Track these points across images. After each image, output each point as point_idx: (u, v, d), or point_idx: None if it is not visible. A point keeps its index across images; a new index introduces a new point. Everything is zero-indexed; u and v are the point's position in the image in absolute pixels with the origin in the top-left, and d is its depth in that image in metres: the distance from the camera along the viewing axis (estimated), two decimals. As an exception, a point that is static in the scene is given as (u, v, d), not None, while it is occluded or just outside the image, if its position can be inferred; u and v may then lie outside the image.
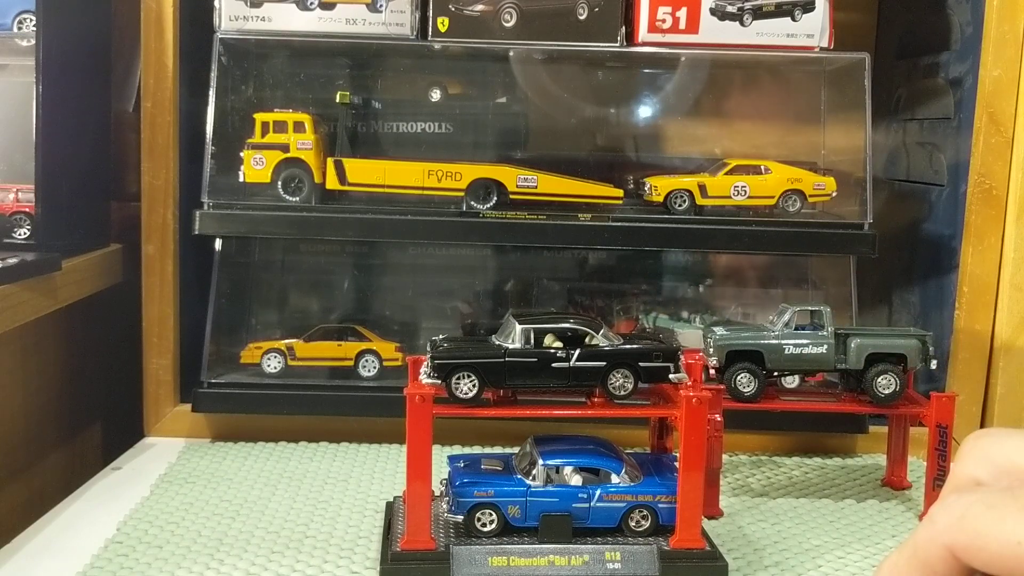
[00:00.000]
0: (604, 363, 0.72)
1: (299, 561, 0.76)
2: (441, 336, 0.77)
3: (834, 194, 1.07)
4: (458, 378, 0.71)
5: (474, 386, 0.71)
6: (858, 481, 0.98)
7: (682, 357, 0.74)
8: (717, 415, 0.84)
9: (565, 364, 0.72)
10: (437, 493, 0.76)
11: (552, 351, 0.72)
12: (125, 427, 1.08)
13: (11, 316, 0.88)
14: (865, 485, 0.97)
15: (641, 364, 0.72)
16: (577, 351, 0.72)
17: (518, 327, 0.72)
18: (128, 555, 0.76)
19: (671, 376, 0.73)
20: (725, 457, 0.93)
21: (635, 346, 0.73)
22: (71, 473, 1.06)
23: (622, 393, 0.73)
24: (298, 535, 0.81)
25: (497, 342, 0.73)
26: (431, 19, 1.04)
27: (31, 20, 0.98)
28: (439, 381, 0.71)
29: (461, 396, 0.71)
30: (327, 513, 0.86)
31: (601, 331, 0.73)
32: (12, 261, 0.89)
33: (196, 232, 1.02)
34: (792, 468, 1.02)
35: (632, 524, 0.73)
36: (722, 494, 0.90)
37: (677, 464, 0.73)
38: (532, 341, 0.72)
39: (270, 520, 0.84)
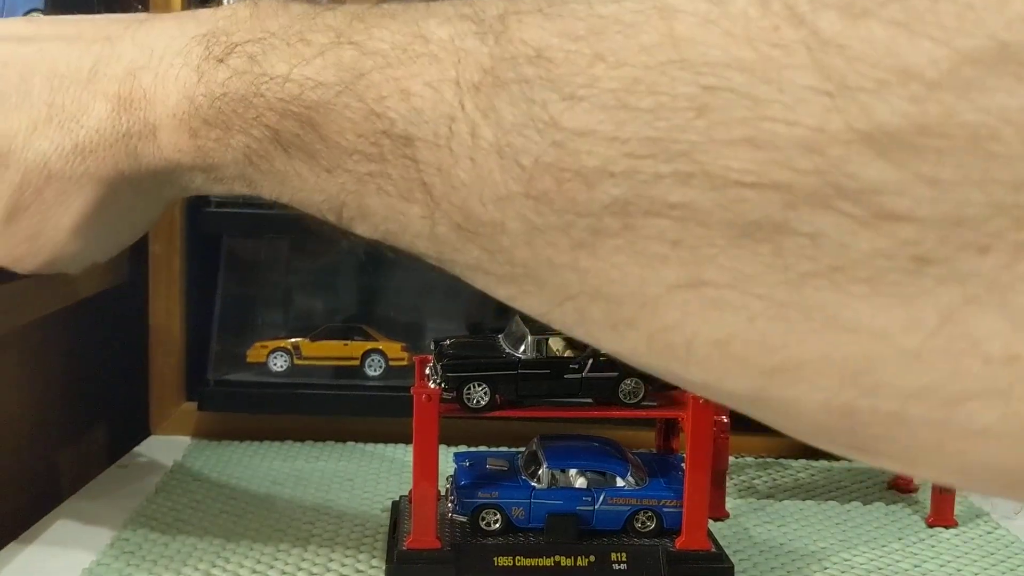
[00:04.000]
0: (616, 373, 0.72)
1: (304, 559, 0.76)
2: (448, 341, 0.76)
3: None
4: (470, 388, 0.71)
5: (486, 395, 0.71)
6: (864, 483, 0.98)
7: None
8: (724, 416, 0.84)
9: (578, 375, 0.71)
10: (443, 492, 0.75)
11: (565, 362, 0.71)
12: (131, 425, 1.08)
13: (17, 315, 0.88)
14: (871, 487, 0.97)
15: None
16: (590, 362, 0.71)
17: (530, 337, 0.71)
18: (135, 552, 0.76)
19: None
20: (731, 459, 0.93)
21: None
22: (77, 471, 1.06)
23: (632, 400, 0.72)
24: (304, 533, 0.81)
25: (507, 349, 0.73)
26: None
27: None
28: (451, 392, 0.70)
29: (473, 406, 0.71)
30: (333, 512, 0.86)
31: None
32: None
33: (203, 231, 1.02)
34: (798, 470, 1.02)
35: (638, 525, 0.73)
36: (728, 496, 0.90)
37: (683, 465, 0.72)
38: (545, 352, 0.72)
39: (276, 518, 0.84)
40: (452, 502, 0.74)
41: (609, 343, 0.38)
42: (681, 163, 0.31)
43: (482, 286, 0.41)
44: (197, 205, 1.03)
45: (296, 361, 1.07)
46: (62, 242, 0.57)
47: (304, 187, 0.47)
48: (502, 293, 0.40)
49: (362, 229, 0.47)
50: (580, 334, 0.39)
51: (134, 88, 0.53)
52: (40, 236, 0.57)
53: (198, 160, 0.51)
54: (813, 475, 1.01)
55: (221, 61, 0.49)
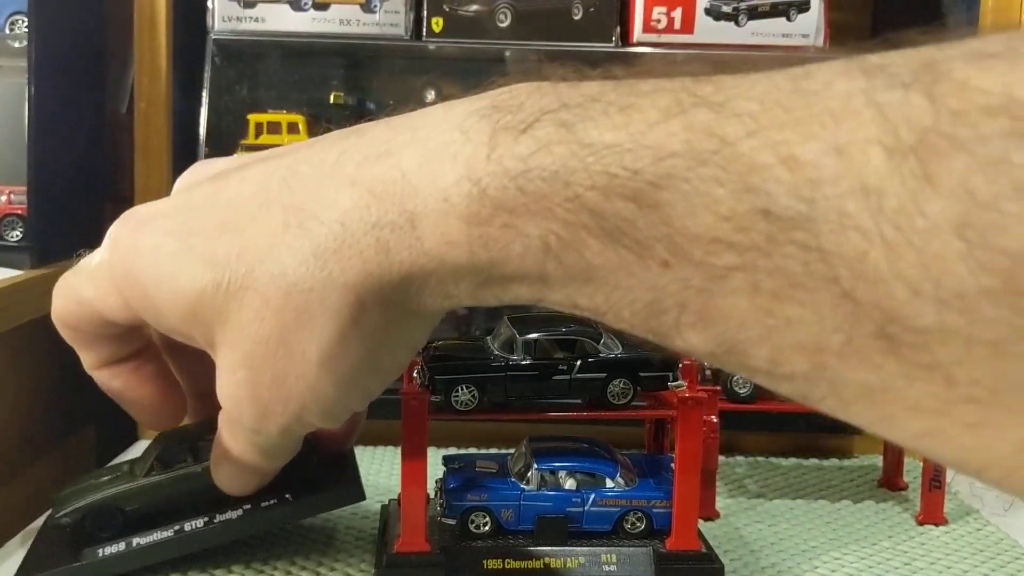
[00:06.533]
0: (605, 374, 0.71)
1: (294, 564, 0.75)
2: (436, 343, 0.75)
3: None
4: (458, 391, 0.70)
5: (474, 397, 0.71)
6: (855, 482, 0.98)
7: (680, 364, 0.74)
8: (713, 416, 0.84)
9: (567, 377, 0.71)
10: (432, 495, 0.75)
11: (554, 364, 0.71)
12: (118, 430, 1.07)
13: (4, 319, 0.87)
14: (862, 486, 0.97)
15: (641, 374, 0.72)
16: (579, 362, 0.71)
17: (519, 339, 0.71)
18: (121, 559, 0.76)
19: (669, 384, 0.72)
20: (721, 458, 0.92)
21: (636, 355, 0.73)
22: (64, 476, 1.05)
23: (621, 401, 0.72)
24: (292, 537, 0.80)
25: (496, 351, 0.72)
26: (425, 19, 1.03)
27: (23, 21, 0.98)
28: (439, 394, 0.70)
29: (461, 408, 0.70)
30: (321, 516, 0.85)
31: (602, 340, 0.73)
32: None
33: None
34: (788, 469, 1.02)
35: (627, 526, 0.73)
36: (718, 495, 0.90)
37: (673, 466, 0.72)
38: (534, 353, 0.71)
39: (264, 523, 0.83)
40: (441, 505, 0.74)
41: None
42: None
43: (902, 420, 0.32)
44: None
45: (284, 364, 1.06)
46: (312, 381, 0.48)
47: (623, 285, 0.37)
48: (957, 440, 0.31)
49: (694, 340, 0.37)
50: None
51: (388, 170, 0.44)
52: (287, 376, 0.48)
53: (472, 255, 0.41)
54: (803, 474, 1.01)
55: (524, 132, 0.40)
